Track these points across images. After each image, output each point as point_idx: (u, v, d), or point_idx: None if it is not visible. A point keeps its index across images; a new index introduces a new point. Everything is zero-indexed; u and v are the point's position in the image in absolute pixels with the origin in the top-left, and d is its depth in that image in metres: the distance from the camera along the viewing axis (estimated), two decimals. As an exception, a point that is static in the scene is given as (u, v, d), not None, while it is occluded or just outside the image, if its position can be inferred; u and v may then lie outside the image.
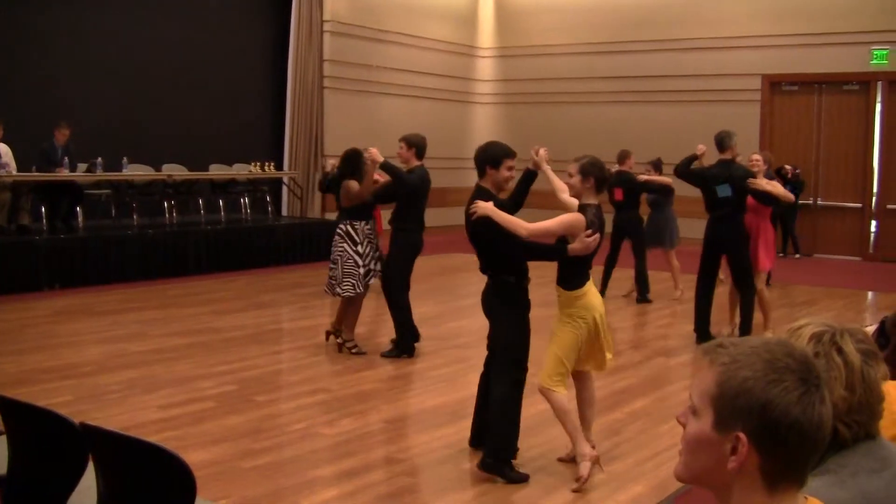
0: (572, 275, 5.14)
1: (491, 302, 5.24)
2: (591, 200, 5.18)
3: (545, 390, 5.12)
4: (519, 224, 4.97)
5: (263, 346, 8.44)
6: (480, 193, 5.20)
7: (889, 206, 15.77)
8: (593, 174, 5.17)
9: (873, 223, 16.02)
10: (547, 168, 5.61)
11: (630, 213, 10.87)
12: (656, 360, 8.25)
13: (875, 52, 15.52)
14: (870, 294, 12.58)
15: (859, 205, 16.05)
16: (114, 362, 7.62)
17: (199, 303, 10.57)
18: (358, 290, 7.96)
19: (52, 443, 3.08)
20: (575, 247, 4.99)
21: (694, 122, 16.07)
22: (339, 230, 8.06)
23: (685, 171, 8.75)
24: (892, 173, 15.72)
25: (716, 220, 8.53)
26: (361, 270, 7.93)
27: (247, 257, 13.29)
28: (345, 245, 7.96)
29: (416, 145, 8.05)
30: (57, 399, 6.28)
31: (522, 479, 5.10)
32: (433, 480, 5.16)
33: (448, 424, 6.08)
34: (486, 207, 5.01)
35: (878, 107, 15.81)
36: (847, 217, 16.15)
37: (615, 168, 10.57)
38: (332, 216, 15.54)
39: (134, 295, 10.90)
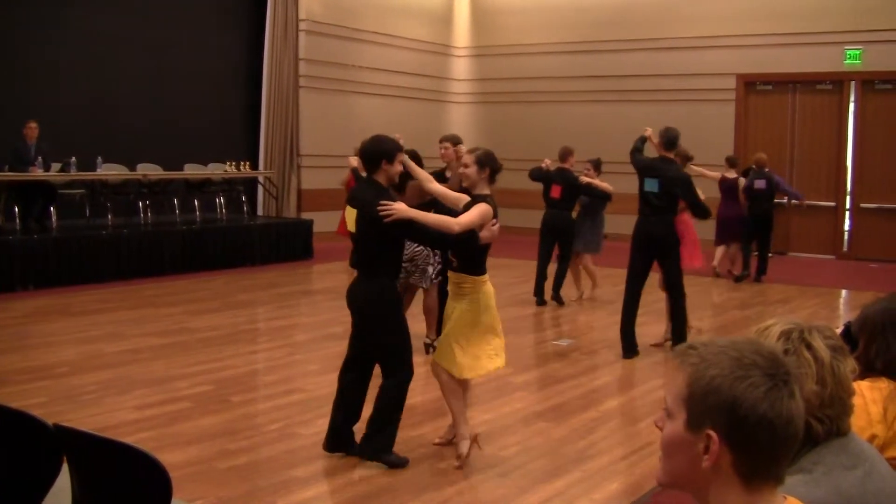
0: (481, 262, 5.33)
1: (367, 304, 5.24)
2: (486, 191, 5.32)
3: (437, 366, 5.34)
4: (450, 221, 5.11)
5: (239, 346, 8.41)
6: (379, 191, 5.13)
7: (862, 205, 15.90)
8: (489, 165, 5.31)
9: (847, 222, 16.15)
10: (405, 158, 5.57)
11: (564, 213, 10.51)
12: (630, 360, 8.27)
13: (848, 52, 15.65)
14: (843, 292, 12.69)
15: (833, 203, 16.17)
16: (89, 363, 7.57)
17: (174, 303, 10.52)
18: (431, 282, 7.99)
19: (26, 444, 3.05)
20: (485, 234, 5.18)
21: (669, 122, 15.78)
22: None
23: (637, 152, 8.69)
24: (866, 172, 15.86)
25: (645, 216, 8.21)
26: (431, 269, 7.87)
27: (222, 257, 13.25)
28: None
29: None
30: (31, 400, 6.23)
31: (403, 463, 5.28)
32: (410, 480, 5.15)
33: (425, 423, 6.09)
34: (404, 210, 5.03)
35: (852, 106, 15.96)
36: (821, 215, 16.25)
37: (556, 165, 10.54)
38: (307, 216, 15.55)
39: (109, 295, 10.83)
